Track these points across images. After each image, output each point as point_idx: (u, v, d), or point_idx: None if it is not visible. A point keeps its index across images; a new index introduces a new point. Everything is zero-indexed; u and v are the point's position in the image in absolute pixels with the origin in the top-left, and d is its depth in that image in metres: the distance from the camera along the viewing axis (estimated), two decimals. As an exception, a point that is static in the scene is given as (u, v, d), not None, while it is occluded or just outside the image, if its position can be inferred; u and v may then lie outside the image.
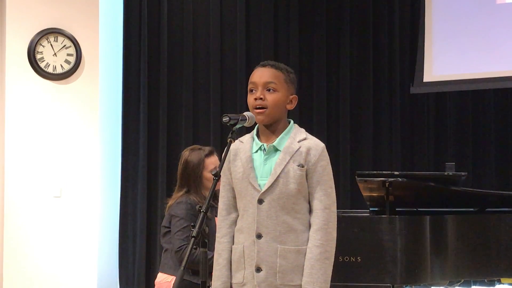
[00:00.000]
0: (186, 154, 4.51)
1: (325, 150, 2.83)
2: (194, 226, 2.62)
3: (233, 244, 2.85)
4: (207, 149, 4.54)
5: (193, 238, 2.59)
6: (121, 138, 7.97)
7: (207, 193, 4.41)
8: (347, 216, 4.12)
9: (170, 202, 4.43)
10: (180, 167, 4.48)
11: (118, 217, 7.90)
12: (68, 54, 7.34)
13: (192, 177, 4.40)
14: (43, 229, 7.20)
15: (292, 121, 2.90)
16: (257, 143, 2.85)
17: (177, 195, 4.41)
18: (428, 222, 3.93)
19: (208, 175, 4.42)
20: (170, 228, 4.38)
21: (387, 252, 3.76)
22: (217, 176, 2.71)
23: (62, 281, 7.26)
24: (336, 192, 2.85)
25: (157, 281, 4.43)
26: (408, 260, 3.80)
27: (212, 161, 4.47)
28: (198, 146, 4.58)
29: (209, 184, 4.41)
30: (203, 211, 2.65)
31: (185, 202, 4.33)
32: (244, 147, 2.86)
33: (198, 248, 2.73)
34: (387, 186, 4.03)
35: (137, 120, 7.99)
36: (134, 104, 8.01)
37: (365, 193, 4.34)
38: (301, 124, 2.97)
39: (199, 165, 4.42)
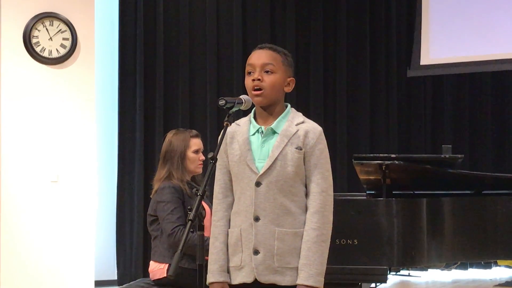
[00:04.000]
0: (170, 135, 4.55)
1: (323, 133, 2.84)
2: (190, 210, 2.62)
3: (229, 227, 2.86)
4: (193, 131, 4.58)
5: (189, 222, 2.59)
6: (118, 123, 7.97)
7: (189, 175, 4.43)
8: (344, 199, 4.13)
9: (155, 187, 4.43)
10: (164, 146, 4.49)
11: (115, 202, 7.91)
12: (63, 39, 7.31)
13: (175, 156, 4.41)
14: (40, 214, 7.20)
15: (289, 105, 2.90)
16: (254, 125, 2.86)
17: (160, 176, 4.41)
18: (424, 205, 3.94)
19: (191, 154, 4.43)
20: (156, 216, 4.38)
21: (384, 234, 3.78)
22: (213, 159, 2.70)
23: (59, 266, 7.27)
24: (333, 175, 2.86)
25: (150, 269, 4.44)
26: (405, 243, 3.81)
27: (196, 142, 4.49)
28: (184, 129, 4.63)
29: (191, 165, 4.44)
30: (199, 194, 2.65)
31: (168, 186, 4.33)
32: (241, 129, 2.86)
33: (194, 232, 2.73)
34: (383, 169, 4.04)
35: (133, 104, 7.98)
36: (131, 88, 8.00)
37: (362, 176, 4.35)
38: (298, 108, 2.98)
39: (184, 144, 4.43)
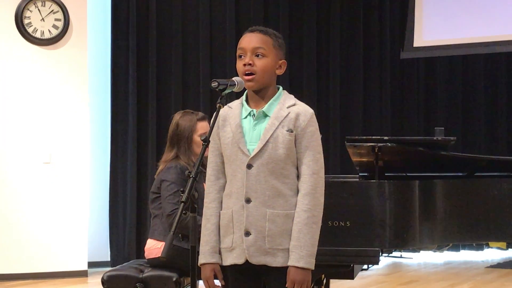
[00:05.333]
0: (177, 116, 4.52)
1: (314, 116, 2.85)
2: (183, 192, 2.63)
3: (221, 209, 2.87)
4: (199, 113, 4.56)
5: (182, 203, 2.60)
6: (110, 103, 7.96)
7: (195, 158, 4.42)
8: (337, 181, 4.14)
9: (161, 166, 4.43)
10: (171, 128, 4.48)
11: (108, 183, 7.91)
12: (56, 19, 7.29)
13: (182, 139, 4.41)
14: (33, 196, 7.21)
15: (281, 88, 2.90)
16: (246, 108, 2.86)
17: (167, 158, 4.42)
18: (417, 187, 3.95)
19: (197, 138, 4.43)
20: (159, 193, 4.39)
21: (376, 216, 3.78)
22: (206, 141, 2.71)
23: (53, 247, 7.28)
24: (326, 157, 2.87)
25: (147, 247, 4.44)
26: (397, 225, 3.82)
27: (203, 126, 4.48)
28: (191, 111, 4.60)
29: (197, 149, 4.43)
30: (192, 176, 2.66)
31: (175, 167, 4.34)
32: (233, 112, 2.87)
33: (187, 213, 2.74)
34: (376, 151, 4.04)
35: (126, 85, 7.97)
36: (123, 69, 7.98)
37: (355, 158, 4.35)
38: (291, 90, 2.98)
39: (190, 128, 4.43)
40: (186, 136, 4.42)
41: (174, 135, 4.44)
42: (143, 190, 7.85)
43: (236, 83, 2.84)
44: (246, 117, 2.86)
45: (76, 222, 7.36)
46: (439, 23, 8.71)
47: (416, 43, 8.81)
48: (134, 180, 7.87)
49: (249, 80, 2.83)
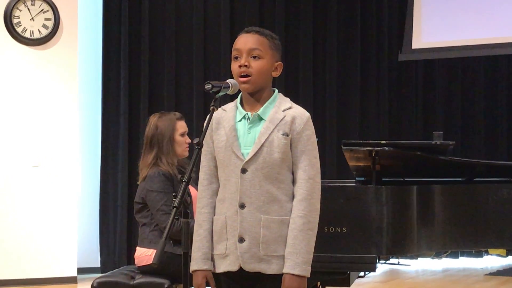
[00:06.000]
0: (154, 118, 4.54)
1: (310, 119, 2.84)
2: (175, 196, 2.62)
3: (214, 215, 2.86)
4: (177, 113, 4.59)
5: (174, 208, 2.59)
6: (101, 106, 7.95)
7: (176, 159, 4.44)
8: (333, 186, 4.14)
9: (143, 172, 4.42)
10: (149, 130, 4.49)
11: (99, 187, 7.89)
12: (46, 19, 7.28)
13: (164, 140, 4.41)
14: (21, 199, 7.19)
15: (276, 90, 2.90)
16: (241, 111, 2.86)
17: (147, 161, 4.41)
18: (415, 192, 3.95)
19: (179, 138, 4.45)
20: (143, 203, 4.38)
21: (373, 222, 3.78)
22: (199, 145, 2.70)
23: (42, 253, 7.26)
24: (322, 162, 2.87)
25: (136, 255, 4.43)
26: (395, 231, 3.82)
27: (182, 125, 4.52)
28: (167, 112, 4.63)
29: (179, 148, 4.45)
30: (185, 181, 2.65)
31: (159, 174, 4.33)
32: (228, 115, 2.86)
33: (180, 219, 2.73)
34: (373, 155, 4.04)
35: (117, 87, 7.95)
36: (115, 70, 7.97)
37: (352, 163, 4.35)
38: (287, 93, 2.98)
39: (171, 127, 4.45)
40: (167, 135, 4.43)
41: (154, 136, 4.45)
42: (134, 195, 7.81)
43: (231, 85, 2.84)
44: (240, 120, 2.85)
45: (65, 227, 7.34)
46: (438, 24, 8.72)
47: (415, 45, 8.83)
48: (125, 184, 7.86)
49: (244, 82, 2.83)
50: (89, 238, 7.86)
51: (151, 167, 4.39)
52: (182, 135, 4.50)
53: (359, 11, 9.16)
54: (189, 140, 4.51)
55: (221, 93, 2.81)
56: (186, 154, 4.54)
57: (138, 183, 4.48)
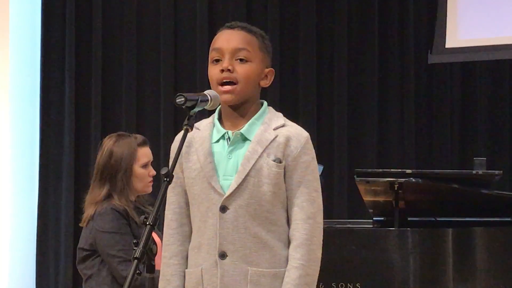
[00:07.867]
0: (110, 142, 4.50)
1: (310, 141, 2.85)
2: (137, 244, 2.62)
3: (186, 267, 2.86)
4: (139, 137, 4.56)
5: (136, 260, 2.59)
6: (39, 123, 7.94)
7: (134, 197, 4.43)
8: (344, 229, 4.16)
9: (88, 211, 4.41)
10: (101, 157, 4.46)
11: (36, 227, 7.88)
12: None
13: (118, 172, 4.39)
14: None
15: (265, 103, 2.90)
16: (219, 129, 2.86)
17: (97, 199, 4.39)
18: (450, 237, 3.98)
19: (139, 170, 4.42)
20: (90, 250, 4.36)
21: (397, 276, 3.81)
22: (168, 176, 2.69)
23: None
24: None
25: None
26: (424, 286, 3.85)
27: (145, 153, 4.49)
28: (127, 133, 4.60)
29: (139, 184, 4.43)
30: (149, 224, 2.65)
31: (111, 211, 4.31)
32: (201, 135, 2.86)
33: (143, 274, 2.73)
34: (396, 188, 4.08)
35: (60, 99, 7.96)
36: (57, 79, 7.98)
37: (367, 198, 4.38)
38: (283, 107, 3.00)
39: (129, 156, 4.42)
40: (124, 167, 4.40)
41: (107, 167, 4.41)
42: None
43: (209, 98, 2.83)
44: (218, 140, 2.85)
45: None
46: (480, 18, 8.78)
47: (449, 44, 8.87)
48: (71, 223, 7.80)
49: (227, 92, 2.83)
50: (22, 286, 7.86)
51: (100, 204, 4.38)
52: (145, 166, 4.47)
53: (377, 4, 9.22)
54: (153, 173, 4.48)
55: (197, 109, 2.80)
56: (149, 190, 4.52)
57: (82, 225, 4.46)
